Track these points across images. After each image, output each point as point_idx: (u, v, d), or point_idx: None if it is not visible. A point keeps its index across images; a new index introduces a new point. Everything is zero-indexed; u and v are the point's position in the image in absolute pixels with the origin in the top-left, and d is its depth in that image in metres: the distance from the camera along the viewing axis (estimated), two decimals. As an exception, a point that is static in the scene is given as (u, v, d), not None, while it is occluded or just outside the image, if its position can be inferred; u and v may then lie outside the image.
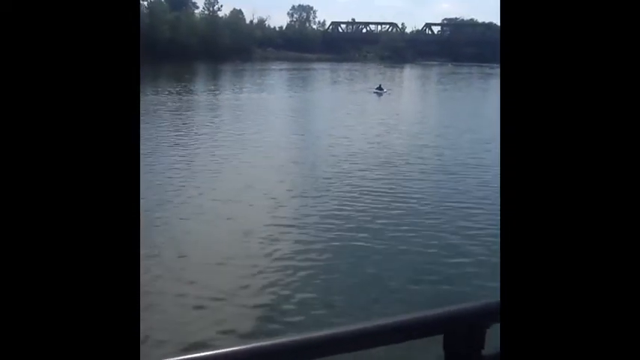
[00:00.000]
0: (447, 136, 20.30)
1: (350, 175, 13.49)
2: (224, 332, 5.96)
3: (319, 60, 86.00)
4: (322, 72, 64.18)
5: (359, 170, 13.96)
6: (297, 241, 8.90)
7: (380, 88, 36.75)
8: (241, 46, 77.10)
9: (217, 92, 34.58)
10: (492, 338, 1.24)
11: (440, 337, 1.21)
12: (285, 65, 69.47)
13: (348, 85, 46.83)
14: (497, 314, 1.21)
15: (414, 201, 11.35)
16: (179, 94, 31.59)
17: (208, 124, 21.48)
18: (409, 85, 52.35)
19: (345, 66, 76.83)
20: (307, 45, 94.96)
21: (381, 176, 13.38)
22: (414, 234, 9.33)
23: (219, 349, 0.99)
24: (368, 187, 12.33)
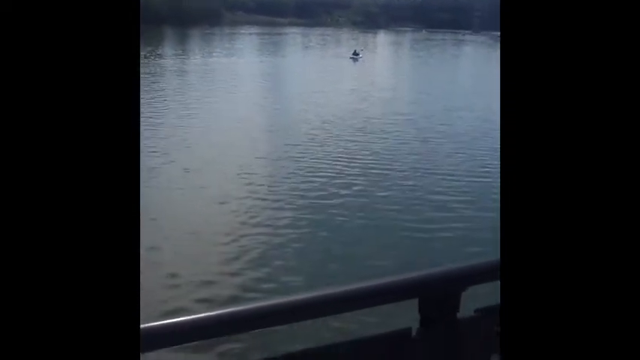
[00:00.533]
0: (421, 103, 20.22)
1: (327, 142, 13.28)
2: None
3: (291, 24, 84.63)
4: (294, 37, 63.23)
5: (335, 138, 13.77)
6: (269, 210, 8.74)
7: (356, 53, 37.30)
8: (210, 10, 75.19)
9: (185, 57, 33.69)
10: (467, 301, 1.23)
11: (415, 301, 1.20)
12: (255, 29, 68.16)
13: (323, 50, 46.40)
14: (471, 277, 1.25)
15: (389, 170, 11.27)
16: (147, 57, 30.76)
17: (177, 89, 20.91)
18: (383, 51, 51.87)
19: (317, 31, 75.87)
20: (278, 9, 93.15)
21: (357, 145, 13.21)
22: (389, 205, 9.26)
23: (195, 314, 0.99)
24: (344, 155, 12.18)
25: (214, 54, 37.31)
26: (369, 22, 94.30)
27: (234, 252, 7.28)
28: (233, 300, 6.00)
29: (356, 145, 13.13)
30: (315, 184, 10.11)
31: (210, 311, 1.01)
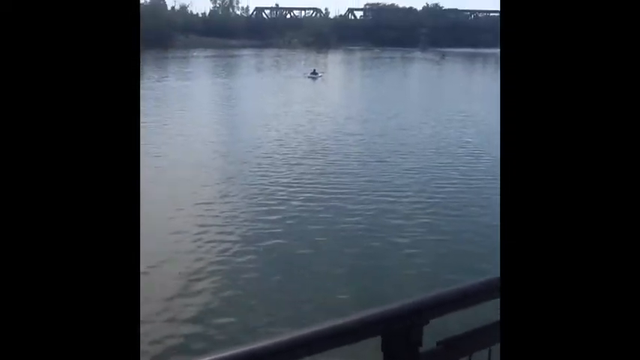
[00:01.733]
0: (377, 122, 20.56)
1: (290, 171, 13.04)
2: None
3: (244, 46, 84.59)
4: (247, 58, 63.00)
5: (297, 164, 13.55)
6: (224, 242, 8.61)
7: (314, 72, 38.13)
8: (162, 34, 74.39)
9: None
10: (430, 334, 1.23)
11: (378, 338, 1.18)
12: (209, 52, 67.61)
13: (279, 71, 46.42)
14: (433, 309, 1.20)
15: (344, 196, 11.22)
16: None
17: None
18: (339, 71, 52.19)
19: (271, 52, 75.89)
20: (231, 31, 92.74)
21: (318, 169, 13.07)
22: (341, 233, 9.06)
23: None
24: (305, 181, 12.04)
25: (168, 77, 37.00)
26: (320, 42, 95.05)
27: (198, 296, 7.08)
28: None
29: (315, 170, 13.07)
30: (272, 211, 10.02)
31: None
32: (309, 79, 36.90)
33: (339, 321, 1.13)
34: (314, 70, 39.44)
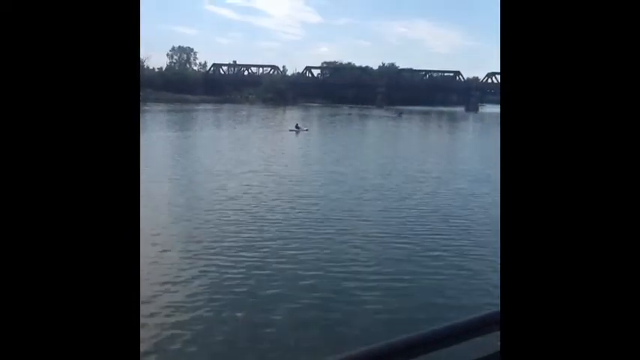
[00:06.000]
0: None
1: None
2: None
3: (201, 101, 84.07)
4: (206, 112, 62.25)
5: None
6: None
7: (297, 126, 40.81)
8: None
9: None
10: None
11: None
12: (163, 106, 66.43)
13: (254, 125, 46.13)
14: (426, 345, 1.18)
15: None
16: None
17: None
18: (316, 126, 52.01)
19: (229, 107, 75.64)
20: (188, 86, 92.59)
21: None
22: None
23: None
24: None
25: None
26: (278, 98, 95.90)
27: None
28: None
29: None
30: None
31: None
32: (292, 133, 38.78)
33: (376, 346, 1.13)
34: (297, 124, 41.78)
